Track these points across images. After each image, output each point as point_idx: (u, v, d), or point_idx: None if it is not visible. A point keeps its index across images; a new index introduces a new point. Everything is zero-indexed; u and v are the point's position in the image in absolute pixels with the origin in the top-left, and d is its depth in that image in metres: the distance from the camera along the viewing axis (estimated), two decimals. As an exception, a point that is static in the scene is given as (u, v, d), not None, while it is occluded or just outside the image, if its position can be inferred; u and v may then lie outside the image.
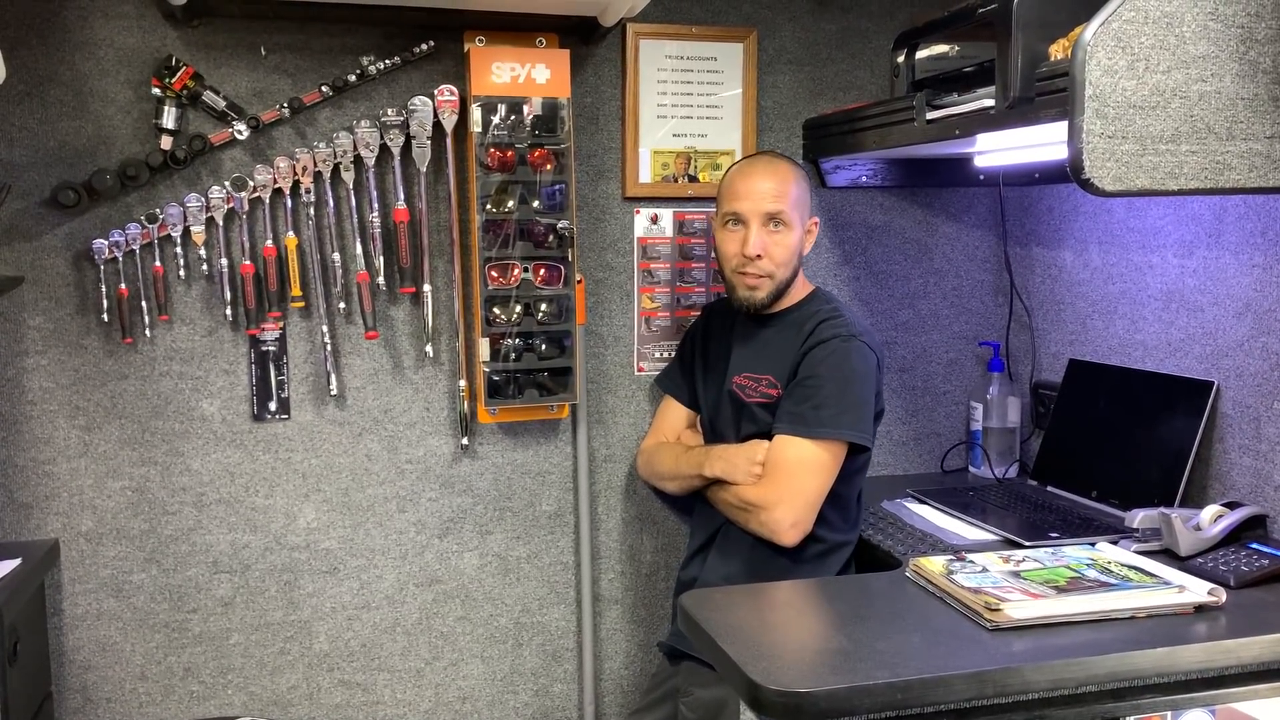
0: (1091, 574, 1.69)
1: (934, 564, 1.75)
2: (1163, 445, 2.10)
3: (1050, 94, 1.61)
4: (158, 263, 2.14)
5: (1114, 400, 2.27)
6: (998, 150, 2.31)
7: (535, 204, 2.23)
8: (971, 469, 2.63)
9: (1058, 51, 1.65)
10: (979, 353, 2.67)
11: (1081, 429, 2.34)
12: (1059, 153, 1.53)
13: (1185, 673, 1.51)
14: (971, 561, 1.76)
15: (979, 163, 2.49)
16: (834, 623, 1.65)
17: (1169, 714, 1.56)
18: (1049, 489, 2.35)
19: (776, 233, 2.01)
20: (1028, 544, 1.93)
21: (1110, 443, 2.24)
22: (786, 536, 1.90)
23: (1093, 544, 1.88)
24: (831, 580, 1.95)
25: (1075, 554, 1.80)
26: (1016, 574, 1.70)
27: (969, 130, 1.87)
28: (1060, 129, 1.53)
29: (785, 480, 1.91)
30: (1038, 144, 2.09)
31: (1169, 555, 1.84)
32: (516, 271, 2.24)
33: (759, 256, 2.00)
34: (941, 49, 2.07)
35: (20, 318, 2.11)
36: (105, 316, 2.12)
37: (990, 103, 1.79)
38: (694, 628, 1.60)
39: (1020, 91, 1.69)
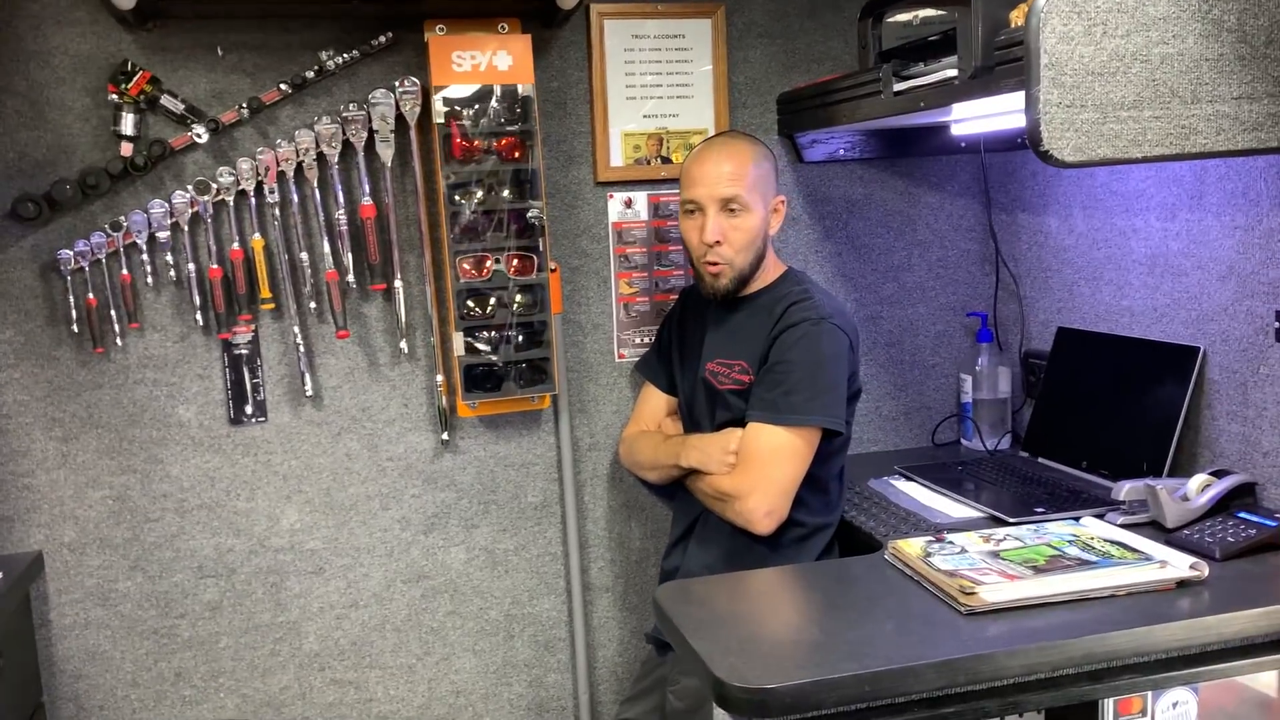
0: (1072, 552, 1.66)
1: (912, 546, 1.72)
2: (1151, 413, 2.06)
3: (1009, 63, 1.56)
4: (125, 270, 2.12)
5: (1103, 368, 2.23)
6: (974, 118, 2.25)
7: (505, 193, 2.20)
8: (963, 441, 2.59)
9: (1018, 17, 1.60)
10: (967, 324, 2.63)
11: (1071, 399, 2.30)
12: (1029, 120, 1.48)
13: (1165, 651, 1.48)
14: (950, 542, 1.73)
15: (957, 131, 2.44)
16: (808, 613, 1.63)
17: (1149, 694, 1.53)
18: (1040, 460, 2.31)
19: (735, 217, 1.97)
20: (1011, 521, 1.90)
21: (1100, 412, 2.20)
22: (761, 525, 1.88)
23: (1077, 519, 1.85)
24: (810, 567, 1.93)
25: (1058, 530, 1.77)
26: (995, 554, 1.67)
27: (935, 102, 1.83)
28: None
29: (758, 469, 1.88)
30: (1012, 110, 2.02)
31: (1156, 527, 1.81)
32: (489, 263, 2.21)
33: (718, 243, 1.96)
34: (907, 16, 2.01)
35: (-10, 332, 2.11)
36: (75, 327, 2.11)
37: (954, 73, 1.75)
38: (666, 623, 1.58)
39: (981, 60, 1.64)
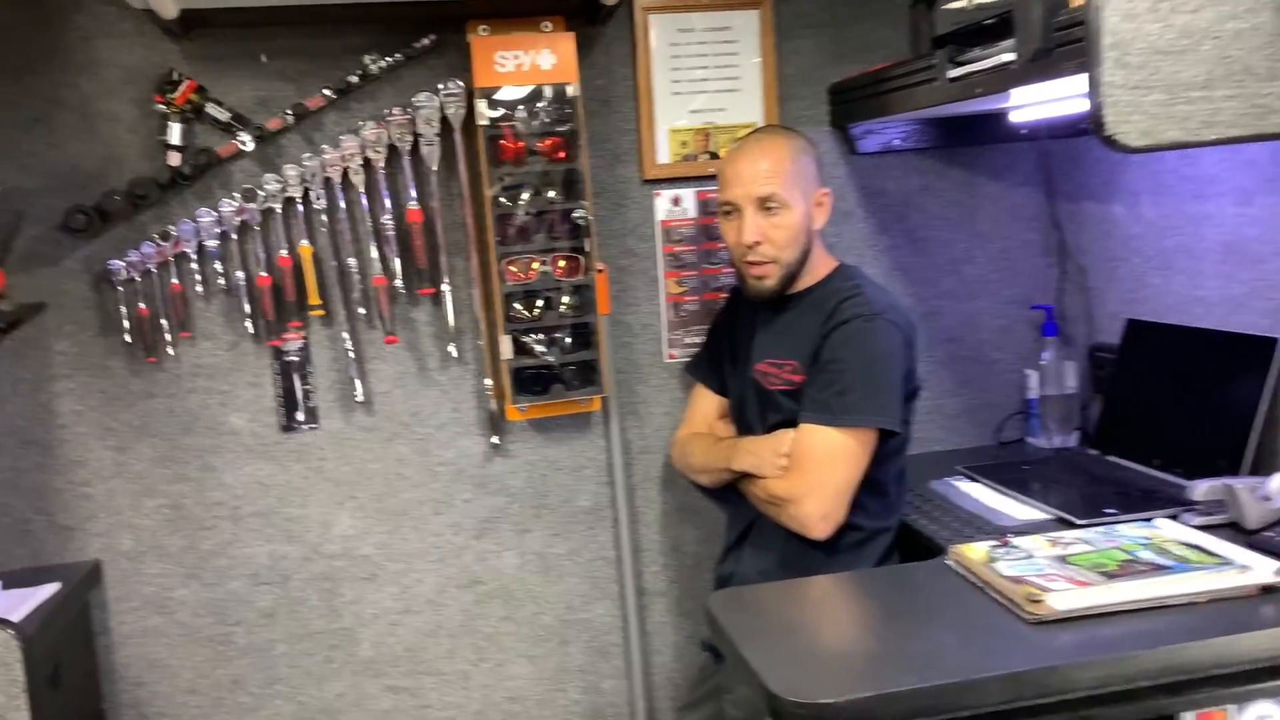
0: (1146, 556, 1.58)
1: (975, 551, 1.65)
2: (1228, 409, 1.96)
3: (1070, 44, 1.49)
4: (175, 280, 2.14)
5: (1175, 362, 2.14)
6: (1035, 103, 2.16)
7: (550, 194, 2.17)
8: (1029, 439, 2.51)
9: (1079, -4, 1.52)
10: (1031, 317, 2.54)
11: (1142, 394, 2.20)
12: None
13: (1250, 661, 1.39)
14: (1016, 547, 1.65)
15: (1016, 117, 2.35)
16: (866, 622, 1.57)
17: (1232, 707, 1.44)
18: (1110, 459, 2.22)
19: (774, 215, 1.90)
20: (1080, 523, 1.82)
21: (1172, 408, 2.10)
22: (816, 530, 1.82)
23: (1150, 520, 1.76)
24: (868, 573, 1.86)
25: (1130, 533, 1.69)
26: (1063, 559, 1.60)
27: (992, 88, 1.75)
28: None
29: (812, 471, 1.82)
30: (1074, 95, 1.94)
31: (1235, 529, 1.72)
32: (535, 265, 2.18)
33: (758, 243, 1.90)
34: (962, 1, 1.93)
35: (46, 343, 2.13)
36: (128, 337, 2.13)
37: (1011, 57, 1.67)
38: (719, 633, 1.53)
39: (1040, 43, 1.56)
